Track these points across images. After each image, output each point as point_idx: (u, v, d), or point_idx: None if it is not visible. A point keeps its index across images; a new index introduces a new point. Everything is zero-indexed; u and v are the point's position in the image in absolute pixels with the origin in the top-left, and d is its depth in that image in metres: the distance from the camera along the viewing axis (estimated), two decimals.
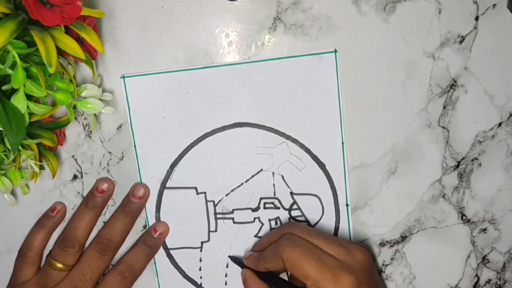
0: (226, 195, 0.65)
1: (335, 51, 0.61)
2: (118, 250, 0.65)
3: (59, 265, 0.62)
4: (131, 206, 0.65)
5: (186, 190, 0.65)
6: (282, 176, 0.65)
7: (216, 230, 0.66)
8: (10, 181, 0.57)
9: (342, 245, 0.57)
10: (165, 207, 0.66)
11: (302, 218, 0.65)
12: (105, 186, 0.64)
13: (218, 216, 0.66)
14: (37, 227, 0.65)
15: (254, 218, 0.66)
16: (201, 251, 0.66)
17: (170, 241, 0.67)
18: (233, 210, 0.66)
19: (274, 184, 0.65)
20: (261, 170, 0.64)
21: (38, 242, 0.64)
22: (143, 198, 0.65)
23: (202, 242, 0.66)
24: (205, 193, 0.65)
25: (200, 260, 0.67)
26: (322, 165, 0.64)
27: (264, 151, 0.64)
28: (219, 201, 0.65)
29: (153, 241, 0.65)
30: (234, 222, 0.66)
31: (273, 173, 0.64)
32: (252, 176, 0.65)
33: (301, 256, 0.55)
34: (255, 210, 0.65)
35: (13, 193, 0.64)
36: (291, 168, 0.64)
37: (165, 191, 0.65)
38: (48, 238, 0.65)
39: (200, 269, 0.67)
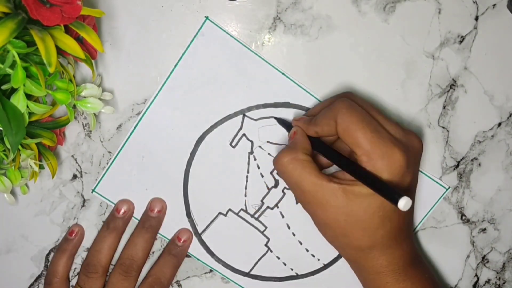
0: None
1: (206, 18, 0.61)
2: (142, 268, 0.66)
3: None
4: (150, 221, 0.65)
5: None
6: None
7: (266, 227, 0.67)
8: (10, 181, 0.57)
9: (400, 127, 0.55)
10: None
11: None
12: (125, 207, 0.65)
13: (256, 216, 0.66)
14: (59, 252, 0.65)
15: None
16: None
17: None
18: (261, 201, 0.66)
19: None
20: None
21: (62, 267, 0.65)
22: (161, 211, 0.65)
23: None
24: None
25: None
26: None
27: None
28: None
29: (178, 250, 0.65)
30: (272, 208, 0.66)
31: None
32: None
33: (357, 122, 0.52)
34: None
35: (12, 192, 0.64)
36: None
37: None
38: (71, 262, 0.66)
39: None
